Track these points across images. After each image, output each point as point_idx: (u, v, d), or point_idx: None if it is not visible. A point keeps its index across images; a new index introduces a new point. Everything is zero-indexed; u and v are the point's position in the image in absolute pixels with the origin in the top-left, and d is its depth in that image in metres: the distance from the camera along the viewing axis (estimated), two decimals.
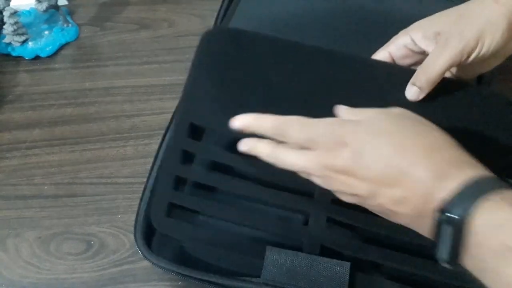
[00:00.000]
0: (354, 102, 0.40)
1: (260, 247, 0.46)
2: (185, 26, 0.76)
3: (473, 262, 0.31)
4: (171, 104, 0.64)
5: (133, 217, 0.51)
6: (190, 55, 0.71)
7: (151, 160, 0.54)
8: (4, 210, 0.58)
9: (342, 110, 0.39)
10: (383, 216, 0.37)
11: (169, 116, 0.58)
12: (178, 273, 0.47)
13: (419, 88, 0.45)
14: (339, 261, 0.44)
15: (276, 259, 0.45)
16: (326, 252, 0.45)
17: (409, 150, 0.34)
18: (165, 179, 0.50)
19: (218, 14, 0.67)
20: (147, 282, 0.52)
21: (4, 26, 0.71)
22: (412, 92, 0.45)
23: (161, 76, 0.70)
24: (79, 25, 0.77)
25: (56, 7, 0.73)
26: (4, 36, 0.72)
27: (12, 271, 0.53)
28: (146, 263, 0.50)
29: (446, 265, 0.33)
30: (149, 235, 0.50)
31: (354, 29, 0.61)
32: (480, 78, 0.58)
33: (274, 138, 0.39)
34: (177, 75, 0.70)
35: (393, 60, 0.50)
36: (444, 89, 0.47)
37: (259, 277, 0.45)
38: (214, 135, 0.50)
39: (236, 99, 0.49)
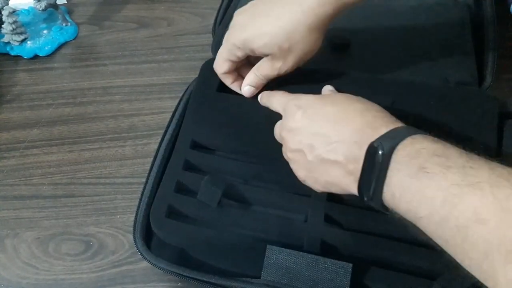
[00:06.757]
0: None
1: (260, 247, 0.45)
2: (184, 25, 0.76)
3: (392, 192, 0.36)
4: (170, 103, 0.64)
5: (132, 217, 0.51)
6: (190, 54, 0.72)
7: (150, 160, 0.54)
8: (2, 211, 0.57)
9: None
10: (319, 174, 0.42)
11: (168, 115, 0.58)
12: (178, 274, 0.47)
13: (254, 86, 0.54)
14: (341, 262, 0.43)
15: (276, 259, 0.44)
16: (328, 252, 0.45)
17: (347, 113, 0.42)
18: (168, 182, 0.50)
19: (218, 13, 0.67)
20: (147, 283, 0.52)
21: (2, 25, 0.71)
22: (246, 90, 0.54)
23: (160, 75, 0.70)
24: (78, 24, 0.76)
25: (55, 6, 0.73)
26: (3, 35, 0.72)
27: (11, 271, 0.53)
28: (145, 264, 0.50)
29: (371, 203, 0.38)
30: (148, 236, 0.49)
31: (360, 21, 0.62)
32: (481, 78, 0.58)
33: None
34: (176, 74, 0.70)
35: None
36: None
37: (259, 277, 0.44)
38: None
39: (233, 124, 0.53)
